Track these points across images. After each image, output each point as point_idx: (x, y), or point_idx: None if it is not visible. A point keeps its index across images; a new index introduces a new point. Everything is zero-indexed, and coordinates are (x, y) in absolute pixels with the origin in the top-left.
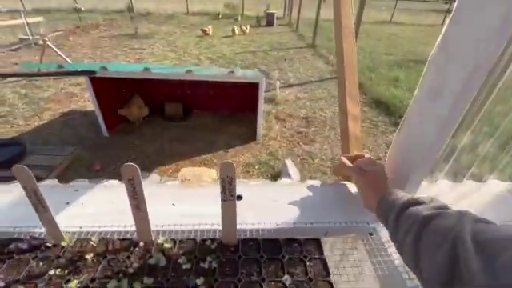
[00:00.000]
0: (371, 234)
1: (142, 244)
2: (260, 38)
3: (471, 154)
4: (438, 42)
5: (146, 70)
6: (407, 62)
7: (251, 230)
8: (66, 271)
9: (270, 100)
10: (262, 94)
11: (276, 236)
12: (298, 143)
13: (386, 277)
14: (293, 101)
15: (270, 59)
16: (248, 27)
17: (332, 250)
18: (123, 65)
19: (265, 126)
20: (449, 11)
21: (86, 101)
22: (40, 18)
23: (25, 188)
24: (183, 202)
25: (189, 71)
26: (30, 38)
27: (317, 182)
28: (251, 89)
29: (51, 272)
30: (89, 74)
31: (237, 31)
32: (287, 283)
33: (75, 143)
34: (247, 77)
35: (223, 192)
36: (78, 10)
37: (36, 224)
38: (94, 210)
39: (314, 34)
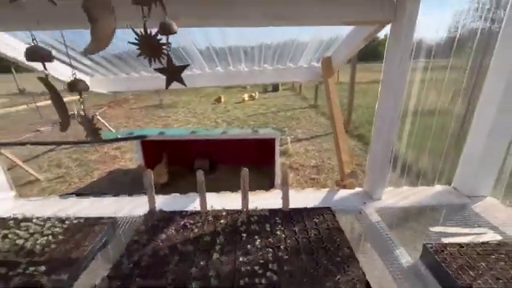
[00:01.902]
0: (360, 213)
1: (245, 210)
2: (268, 102)
3: (417, 167)
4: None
5: (193, 132)
6: (403, 116)
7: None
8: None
9: (283, 153)
10: (277, 148)
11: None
12: (312, 188)
13: (363, 228)
14: (303, 153)
15: (278, 119)
16: (257, 93)
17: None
18: (173, 129)
19: (281, 175)
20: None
21: (127, 161)
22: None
23: (198, 182)
24: None
25: (224, 132)
26: (76, 113)
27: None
28: (268, 144)
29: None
30: (142, 138)
31: (246, 98)
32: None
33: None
34: (265, 134)
35: (283, 182)
36: (113, 92)
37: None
38: None
39: (315, 95)
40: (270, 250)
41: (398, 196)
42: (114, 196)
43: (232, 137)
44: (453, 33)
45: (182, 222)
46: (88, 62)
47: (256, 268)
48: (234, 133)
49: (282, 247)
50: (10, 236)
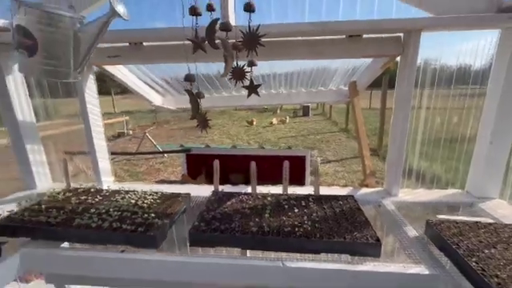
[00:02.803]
0: (379, 205)
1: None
2: (298, 126)
3: (431, 173)
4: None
5: (234, 147)
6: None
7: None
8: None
9: (312, 172)
10: (308, 165)
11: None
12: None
13: (385, 219)
14: (332, 173)
15: (308, 142)
16: (287, 117)
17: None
18: (219, 145)
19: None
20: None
21: (170, 173)
22: (127, 118)
23: (251, 173)
24: None
25: (262, 147)
26: (125, 131)
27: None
28: (298, 161)
29: None
30: (186, 151)
31: (275, 122)
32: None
33: None
34: (296, 151)
35: (315, 173)
36: (153, 111)
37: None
38: None
39: (346, 120)
40: (305, 216)
41: (414, 195)
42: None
43: (265, 153)
44: (453, 64)
45: (239, 198)
46: (162, 84)
47: (295, 223)
48: (267, 149)
49: (313, 215)
50: (126, 197)
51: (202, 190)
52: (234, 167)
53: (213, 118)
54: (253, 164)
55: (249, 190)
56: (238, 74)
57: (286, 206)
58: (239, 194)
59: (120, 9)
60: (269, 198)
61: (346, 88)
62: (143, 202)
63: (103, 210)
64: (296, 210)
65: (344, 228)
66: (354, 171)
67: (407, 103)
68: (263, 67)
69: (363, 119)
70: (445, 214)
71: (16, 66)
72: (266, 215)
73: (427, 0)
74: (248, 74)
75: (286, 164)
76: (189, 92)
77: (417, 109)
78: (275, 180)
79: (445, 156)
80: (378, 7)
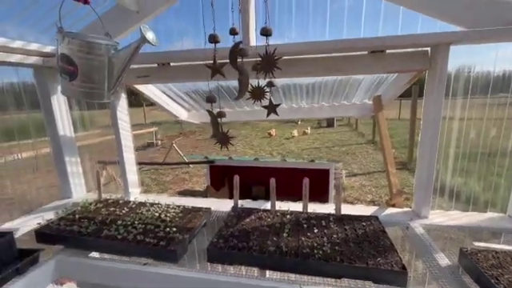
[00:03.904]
0: (407, 228)
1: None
2: (322, 137)
3: (466, 193)
4: None
5: (256, 159)
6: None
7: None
8: None
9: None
10: (332, 178)
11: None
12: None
13: (413, 243)
14: (358, 187)
15: (333, 154)
16: (309, 128)
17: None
18: (241, 157)
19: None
20: None
21: (194, 184)
22: (156, 128)
23: (271, 189)
24: None
25: (284, 160)
26: (154, 142)
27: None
28: (322, 175)
29: None
30: (210, 162)
31: (296, 134)
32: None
33: None
34: (319, 164)
35: (337, 191)
36: (179, 122)
37: None
38: None
39: (373, 131)
40: (325, 237)
41: (446, 217)
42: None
43: (287, 165)
44: (490, 70)
45: (258, 214)
46: (188, 99)
47: (314, 244)
48: (289, 162)
49: (334, 236)
50: (150, 210)
51: (222, 205)
52: (256, 180)
53: (236, 128)
54: (272, 181)
55: (268, 206)
56: (257, 94)
57: (306, 226)
58: (258, 210)
59: (149, 36)
60: (288, 216)
61: (371, 102)
62: (166, 216)
63: (129, 222)
64: (315, 231)
65: (366, 252)
66: (381, 186)
67: (436, 118)
68: (283, 79)
69: (389, 132)
70: (483, 242)
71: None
72: (285, 234)
73: (457, 14)
74: (267, 94)
75: (306, 181)
76: (210, 112)
77: (448, 119)
78: (297, 194)
79: (482, 173)
80: (403, 20)
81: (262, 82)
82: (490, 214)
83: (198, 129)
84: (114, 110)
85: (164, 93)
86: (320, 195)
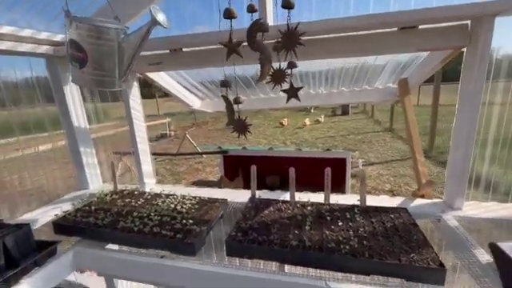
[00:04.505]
0: (438, 220)
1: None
2: (337, 125)
3: (507, 182)
4: None
5: (270, 149)
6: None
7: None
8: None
9: (354, 175)
10: (349, 167)
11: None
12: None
13: (447, 237)
14: (376, 177)
15: (348, 142)
16: (323, 117)
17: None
18: (255, 146)
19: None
20: None
21: (207, 174)
22: (169, 119)
23: (290, 179)
24: None
25: (299, 149)
26: (167, 132)
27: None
28: (338, 164)
29: None
30: (223, 153)
31: (308, 123)
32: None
33: None
34: (335, 153)
35: (362, 182)
36: (192, 112)
37: None
38: None
39: (390, 118)
40: (351, 230)
41: (482, 209)
42: (220, 188)
43: (302, 155)
44: None
45: (277, 206)
46: (201, 88)
47: (340, 238)
48: (305, 151)
49: (360, 230)
50: (166, 201)
51: (238, 195)
52: (271, 169)
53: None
54: (291, 171)
55: (287, 196)
56: (278, 77)
57: (329, 218)
58: (277, 201)
59: (160, 17)
60: (309, 208)
61: (395, 86)
62: (182, 207)
63: (145, 214)
64: (340, 224)
65: (398, 247)
66: (400, 175)
67: (475, 102)
68: (300, 65)
69: (415, 120)
70: None
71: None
72: (307, 227)
73: None
74: (288, 76)
75: (328, 171)
76: (225, 98)
77: (488, 105)
78: (313, 183)
79: None
80: None
81: (283, 65)
82: None
83: (210, 119)
84: (127, 99)
85: (178, 82)
86: (337, 185)
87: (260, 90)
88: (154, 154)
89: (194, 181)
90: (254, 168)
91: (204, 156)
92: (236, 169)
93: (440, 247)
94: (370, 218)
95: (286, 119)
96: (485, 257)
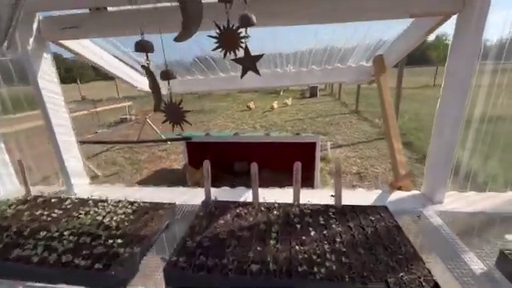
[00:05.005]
0: (419, 216)
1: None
2: (306, 108)
3: (485, 172)
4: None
5: (236, 134)
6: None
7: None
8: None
9: (322, 158)
10: (318, 151)
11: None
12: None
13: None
14: (343, 159)
15: (317, 125)
16: (290, 99)
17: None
18: (220, 132)
19: (320, 180)
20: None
21: (172, 161)
22: (131, 103)
23: (252, 174)
24: None
25: (267, 134)
26: (128, 117)
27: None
28: (307, 148)
29: None
30: (186, 139)
31: (276, 106)
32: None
33: None
34: (305, 137)
35: (336, 177)
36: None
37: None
38: None
39: (356, 100)
40: (326, 242)
41: (462, 201)
42: (170, 187)
43: (271, 139)
44: None
45: (237, 211)
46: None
47: (313, 256)
48: (273, 135)
49: (337, 240)
50: (91, 213)
51: (194, 196)
52: (239, 155)
53: (215, 101)
54: (254, 166)
55: (250, 195)
56: (229, 40)
57: (299, 226)
58: (237, 204)
59: None
60: (275, 212)
61: (369, 64)
62: (111, 220)
63: (56, 234)
64: (312, 233)
65: (383, 263)
66: (366, 157)
67: (466, 81)
68: (266, 45)
69: (372, 102)
70: None
71: None
72: (272, 241)
73: None
74: (242, 39)
75: (298, 166)
76: (147, 70)
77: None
78: (283, 168)
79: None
80: None
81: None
82: (510, 194)
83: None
84: (34, 76)
85: (115, 56)
86: (307, 169)
87: (220, 67)
88: (110, 142)
89: (156, 170)
90: (207, 164)
91: (169, 143)
92: (201, 156)
93: (424, 251)
94: (348, 222)
95: (252, 102)
96: (476, 264)
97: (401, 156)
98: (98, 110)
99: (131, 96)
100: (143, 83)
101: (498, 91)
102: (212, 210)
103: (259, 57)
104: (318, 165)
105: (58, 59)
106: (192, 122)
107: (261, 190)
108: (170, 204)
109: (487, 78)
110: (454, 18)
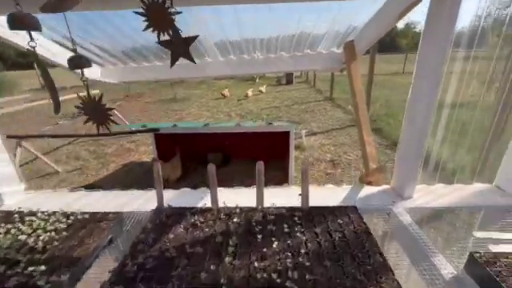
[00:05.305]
0: (388, 213)
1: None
2: (281, 95)
3: (453, 163)
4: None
5: (206, 125)
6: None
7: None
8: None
9: (297, 147)
10: (292, 141)
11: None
12: (328, 183)
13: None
14: (318, 147)
15: (292, 112)
16: (265, 87)
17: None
18: (187, 122)
19: (294, 169)
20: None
21: (141, 154)
22: (98, 91)
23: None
24: None
25: (238, 125)
26: None
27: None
28: (281, 137)
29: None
30: (154, 131)
31: (250, 94)
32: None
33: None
34: (279, 126)
35: (303, 177)
36: (125, 82)
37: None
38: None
39: (331, 88)
40: (289, 254)
41: (431, 195)
42: (123, 190)
43: (245, 130)
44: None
45: (192, 220)
46: (99, 52)
47: (274, 276)
48: (247, 126)
49: (302, 251)
50: (12, 231)
51: (149, 201)
52: (211, 146)
53: (189, 88)
54: (211, 167)
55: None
56: (158, 17)
57: (260, 236)
58: (194, 210)
59: None
60: (235, 219)
61: (340, 51)
62: (38, 239)
63: None
64: (275, 244)
65: (351, 277)
66: (340, 144)
67: (437, 70)
68: (229, 31)
69: (344, 89)
70: (480, 226)
71: None
72: (228, 258)
73: None
74: (172, 15)
75: (260, 166)
76: (33, 55)
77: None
78: (255, 158)
79: (471, 143)
80: None
81: None
82: (476, 186)
83: (148, 90)
84: None
85: (56, 42)
86: (281, 159)
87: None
88: (69, 135)
89: (125, 163)
90: (157, 166)
91: (138, 134)
92: (172, 148)
93: (393, 254)
94: (314, 228)
95: (227, 90)
96: (446, 268)
97: (372, 148)
98: (60, 98)
99: (98, 83)
100: (92, 71)
101: (469, 78)
102: (163, 219)
103: (192, 39)
104: (293, 154)
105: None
106: (164, 110)
107: (224, 191)
108: (114, 214)
109: (459, 65)
110: (425, 4)
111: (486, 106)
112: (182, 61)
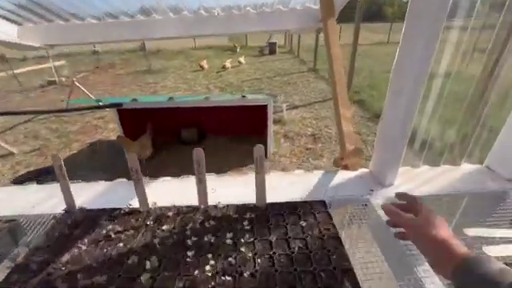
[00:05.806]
0: (365, 205)
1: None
2: (264, 66)
3: (441, 141)
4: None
5: (171, 99)
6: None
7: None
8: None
9: (278, 121)
10: (270, 115)
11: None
12: (308, 159)
13: (369, 233)
14: (299, 120)
15: (274, 84)
16: (243, 57)
17: (337, 215)
18: (149, 97)
19: (274, 144)
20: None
21: (110, 132)
22: (63, 62)
23: (131, 169)
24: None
25: (207, 98)
26: (57, 79)
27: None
28: (260, 111)
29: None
30: (117, 106)
31: (228, 66)
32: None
33: (103, 170)
34: (255, 100)
35: (257, 167)
36: (95, 52)
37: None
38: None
39: (314, 58)
40: (229, 278)
41: (415, 179)
42: (42, 183)
43: (218, 104)
44: None
45: (106, 230)
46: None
47: None
48: (220, 99)
49: (247, 273)
50: None
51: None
52: (185, 121)
53: (167, 59)
54: (132, 158)
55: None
56: None
57: (192, 253)
58: (114, 214)
59: None
60: (166, 226)
61: (317, 6)
62: None
63: None
64: (210, 264)
65: None
66: (321, 117)
67: (433, 38)
68: None
69: (325, 60)
70: (470, 217)
71: None
72: (144, 277)
73: None
74: None
75: (199, 152)
76: None
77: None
78: (230, 133)
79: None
80: None
81: None
82: (465, 167)
83: (119, 61)
84: None
85: None
86: (258, 134)
87: (115, 8)
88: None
89: (91, 142)
90: (58, 161)
91: (107, 110)
92: (140, 125)
93: (371, 262)
94: (269, 236)
95: (205, 61)
96: (432, 282)
97: (349, 126)
98: (19, 71)
99: (65, 53)
100: (7, 31)
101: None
102: (65, 231)
103: None
104: (271, 129)
105: None
106: (138, 83)
107: (159, 184)
108: (10, 221)
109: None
110: None
111: (474, 79)
112: (122, 19)
